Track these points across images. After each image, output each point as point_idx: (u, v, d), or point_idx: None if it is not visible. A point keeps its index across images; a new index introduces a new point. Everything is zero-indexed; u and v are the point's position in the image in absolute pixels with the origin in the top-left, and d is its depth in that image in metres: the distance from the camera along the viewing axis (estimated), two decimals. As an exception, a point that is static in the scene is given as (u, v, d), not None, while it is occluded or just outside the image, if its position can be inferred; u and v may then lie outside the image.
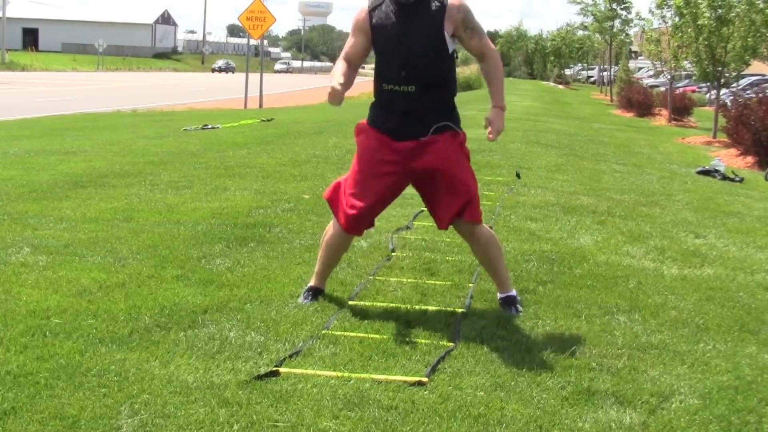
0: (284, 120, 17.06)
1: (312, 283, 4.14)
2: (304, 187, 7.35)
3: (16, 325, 3.51)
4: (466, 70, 51.35)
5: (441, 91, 3.87)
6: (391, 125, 3.85)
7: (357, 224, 3.91)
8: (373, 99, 4.01)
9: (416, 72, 3.77)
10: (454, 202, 3.84)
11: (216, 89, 39.15)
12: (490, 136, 3.83)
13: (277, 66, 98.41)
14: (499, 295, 4.11)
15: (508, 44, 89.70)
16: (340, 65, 3.89)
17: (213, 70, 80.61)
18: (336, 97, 3.72)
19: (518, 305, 4.07)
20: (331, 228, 4.05)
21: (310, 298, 4.05)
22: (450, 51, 3.82)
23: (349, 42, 3.95)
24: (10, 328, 3.49)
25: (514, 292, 4.12)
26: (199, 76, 65.26)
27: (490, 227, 5.90)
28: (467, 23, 3.81)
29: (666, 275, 4.93)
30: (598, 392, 3.10)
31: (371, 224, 4.05)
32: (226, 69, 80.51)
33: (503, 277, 4.09)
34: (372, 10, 3.86)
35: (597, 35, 42.36)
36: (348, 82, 3.83)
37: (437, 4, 3.77)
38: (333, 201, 4.01)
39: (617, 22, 37.83)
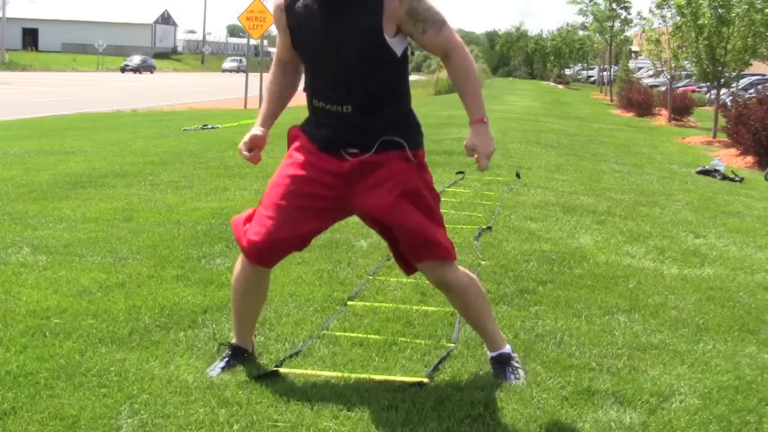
0: (284, 120, 17.00)
1: (233, 340, 3.26)
2: (304, 187, 7.34)
3: (16, 325, 3.51)
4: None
5: (387, 107, 2.93)
6: (327, 137, 2.96)
7: (264, 253, 2.97)
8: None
9: (351, 88, 2.88)
10: (410, 251, 3.03)
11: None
12: (480, 164, 2.86)
13: (226, 64, 74.08)
14: (489, 354, 3.27)
15: (508, 44, 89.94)
16: (268, 91, 3.22)
17: (122, 70, 61.17)
18: (249, 158, 3.07)
19: (516, 366, 3.20)
20: (237, 265, 3.11)
21: (226, 361, 3.16)
22: (398, 55, 2.88)
23: (278, 41, 3.10)
24: (10, 328, 3.49)
25: (508, 348, 3.26)
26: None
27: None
28: (414, 14, 2.80)
29: (666, 275, 4.93)
30: (598, 392, 3.10)
31: (283, 255, 3.07)
32: (143, 68, 62.65)
33: (492, 333, 3.23)
34: (289, 5, 2.94)
35: (597, 35, 42.41)
36: (277, 108, 3.23)
37: None
38: (237, 225, 3.06)
39: (617, 22, 37.92)
